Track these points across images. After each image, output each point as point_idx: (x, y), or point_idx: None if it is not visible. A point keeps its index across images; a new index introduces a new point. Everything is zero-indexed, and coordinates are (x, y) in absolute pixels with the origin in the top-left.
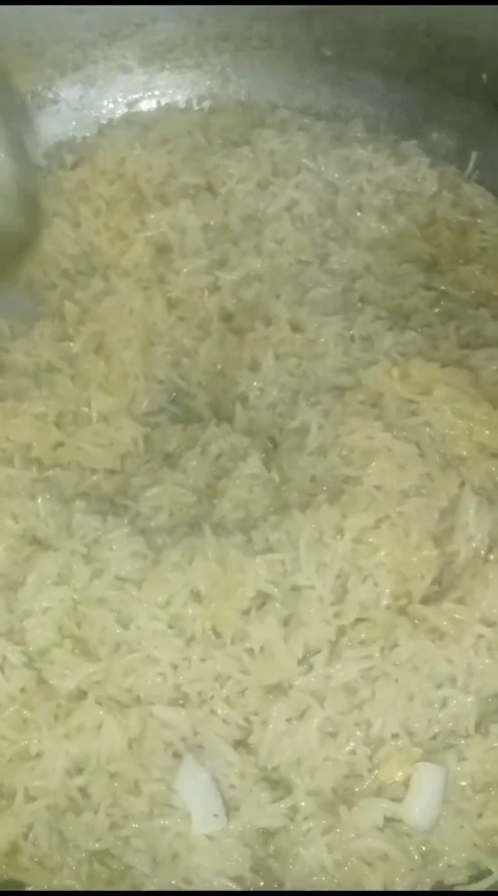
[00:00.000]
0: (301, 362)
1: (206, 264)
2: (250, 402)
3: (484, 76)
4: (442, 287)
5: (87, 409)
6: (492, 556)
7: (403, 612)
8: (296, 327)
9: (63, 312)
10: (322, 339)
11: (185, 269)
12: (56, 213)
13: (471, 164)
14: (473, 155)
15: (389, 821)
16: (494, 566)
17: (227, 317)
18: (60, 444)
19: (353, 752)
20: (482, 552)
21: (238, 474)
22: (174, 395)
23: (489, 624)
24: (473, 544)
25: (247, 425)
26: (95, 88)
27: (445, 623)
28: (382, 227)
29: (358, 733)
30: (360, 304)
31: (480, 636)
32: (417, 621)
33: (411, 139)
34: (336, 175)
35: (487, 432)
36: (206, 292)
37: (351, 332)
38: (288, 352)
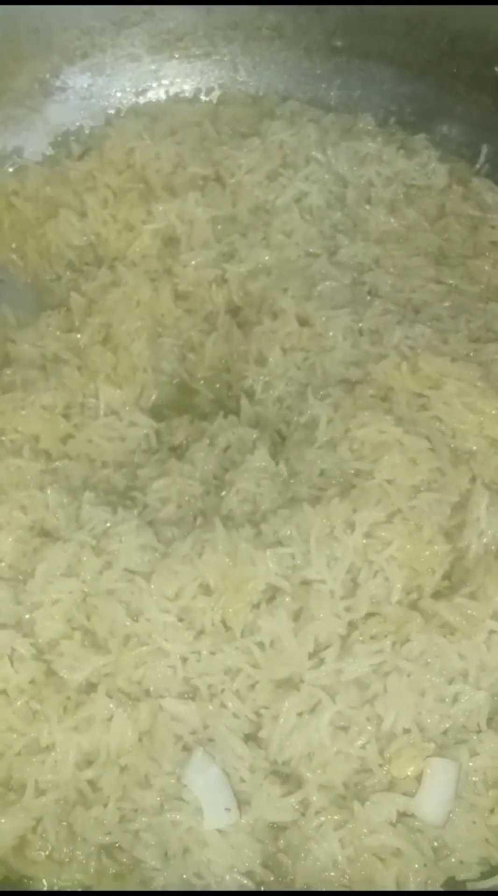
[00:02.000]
0: (308, 356)
1: (214, 256)
2: (257, 396)
3: (496, 69)
4: (451, 281)
5: (94, 401)
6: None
7: (414, 606)
8: (304, 321)
9: (69, 304)
10: (331, 333)
11: (193, 262)
12: (62, 204)
13: (482, 158)
14: (484, 149)
15: (402, 816)
16: None
17: (234, 310)
18: (69, 437)
19: (364, 747)
20: (494, 548)
21: (246, 467)
22: (181, 387)
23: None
24: (484, 540)
25: (254, 419)
26: (104, 77)
27: (456, 618)
28: (392, 220)
29: (369, 728)
30: (369, 298)
31: (492, 632)
32: (428, 616)
33: (421, 132)
34: (345, 167)
35: (497, 427)
36: (213, 285)
37: (360, 326)
38: (295, 346)
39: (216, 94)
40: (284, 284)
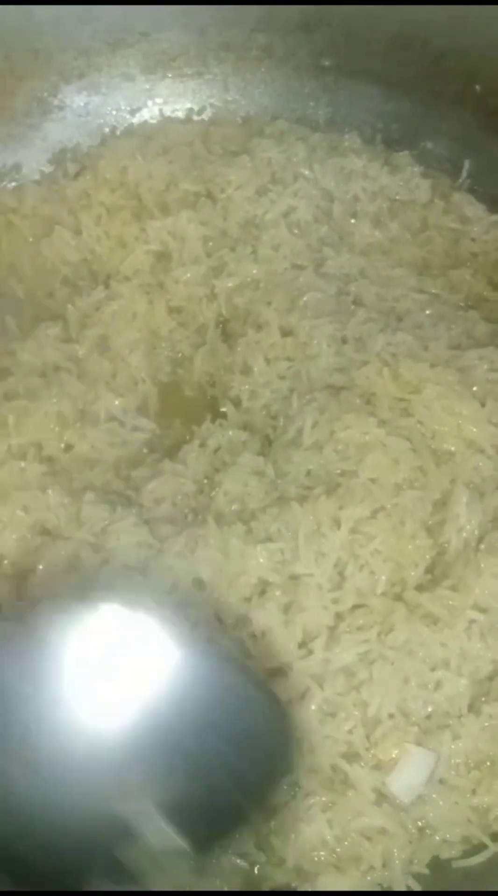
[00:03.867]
0: (293, 364)
1: (204, 272)
2: (243, 405)
3: (477, 87)
4: (433, 290)
5: (95, 408)
6: (483, 546)
7: (398, 598)
8: (288, 331)
9: (66, 317)
10: (315, 341)
11: (184, 278)
12: (58, 222)
13: (464, 173)
14: (466, 164)
15: (386, 797)
16: (485, 556)
17: (221, 323)
18: (72, 443)
19: (351, 732)
20: (473, 543)
21: (236, 468)
22: (174, 393)
23: (481, 610)
24: (464, 535)
25: (242, 424)
26: (99, 96)
27: (438, 609)
28: (376, 233)
29: (356, 713)
30: (353, 307)
31: (473, 621)
32: (412, 607)
33: (405, 148)
34: (332, 183)
35: (474, 429)
36: (204, 300)
37: (343, 334)
38: (279, 355)
39: (208, 112)
40: (269, 297)
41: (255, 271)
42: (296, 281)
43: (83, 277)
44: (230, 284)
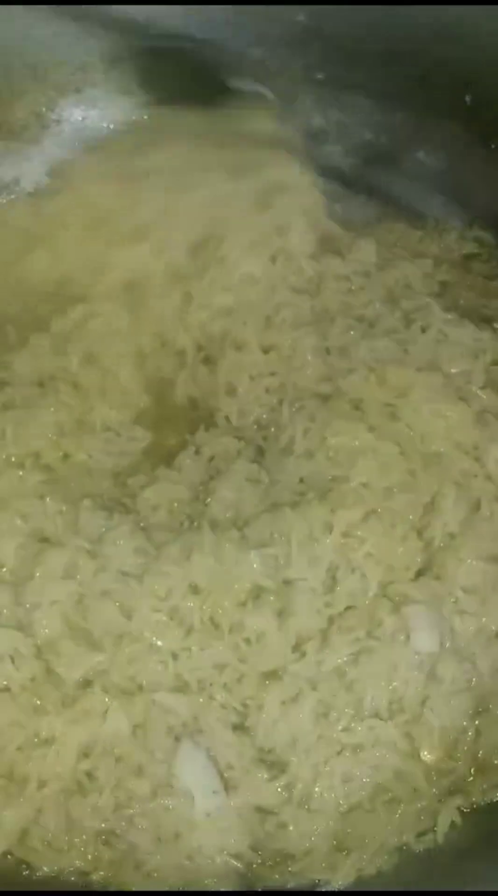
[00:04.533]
0: (278, 376)
1: (175, 305)
2: (234, 423)
3: (467, 98)
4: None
5: (92, 419)
6: (465, 537)
7: (385, 595)
8: (269, 347)
9: (52, 330)
10: (298, 353)
11: (157, 308)
12: (38, 240)
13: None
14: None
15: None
16: (466, 542)
17: (199, 348)
18: (69, 452)
19: (345, 730)
20: (456, 534)
21: (229, 475)
22: (166, 404)
23: (466, 591)
24: (448, 529)
25: (234, 434)
26: (96, 110)
27: (423, 595)
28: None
29: (348, 710)
30: (329, 318)
31: (455, 600)
32: (397, 598)
33: (397, 158)
34: None
35: (461, 430)
36: (180, 330)
37: (326, 344)
38: (263, 371)
39: None
40: (244, 318)
41: (229, 299)
42: (269, 301)
43: (62, 295)
44: (204, 316)
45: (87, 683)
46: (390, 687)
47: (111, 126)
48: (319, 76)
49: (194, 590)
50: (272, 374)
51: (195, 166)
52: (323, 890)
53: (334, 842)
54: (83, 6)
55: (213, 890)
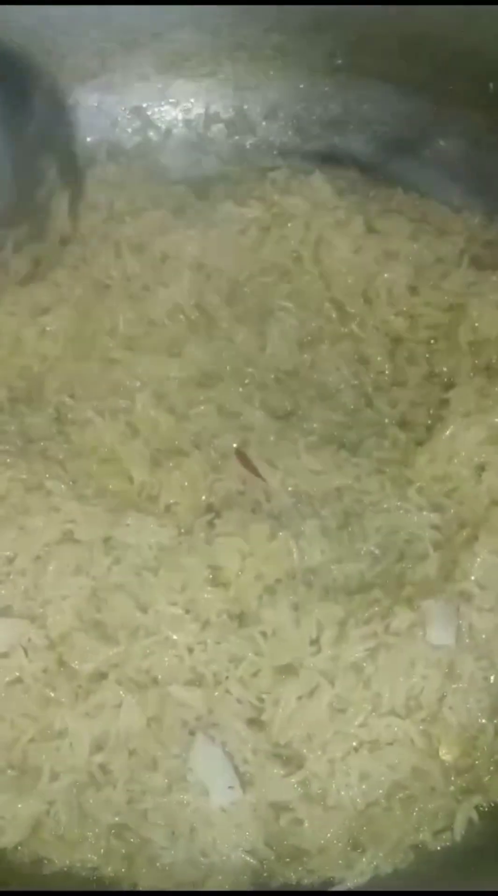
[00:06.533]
0: None
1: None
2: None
3: (491, 86)
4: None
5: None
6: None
7: (401, 588)
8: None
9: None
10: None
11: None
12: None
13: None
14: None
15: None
16: (482, 535)
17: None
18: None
19: (362, 726)
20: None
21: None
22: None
23: (481, 587)
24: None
25: None
26: (114, 95)
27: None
28: None
29: (366, 706)
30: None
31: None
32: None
33: (417, 147)
34: None
35: None
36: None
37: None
38: None
39: (221, 112)
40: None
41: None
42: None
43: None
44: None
45: (101, 676)
46: (408, 683)
47: (128, 111)
48: (339, 62)
49: (211, 583)
50: None
51: None
52: (337, 889)
53: (350, 839)
54: None
55: (214, 890)
